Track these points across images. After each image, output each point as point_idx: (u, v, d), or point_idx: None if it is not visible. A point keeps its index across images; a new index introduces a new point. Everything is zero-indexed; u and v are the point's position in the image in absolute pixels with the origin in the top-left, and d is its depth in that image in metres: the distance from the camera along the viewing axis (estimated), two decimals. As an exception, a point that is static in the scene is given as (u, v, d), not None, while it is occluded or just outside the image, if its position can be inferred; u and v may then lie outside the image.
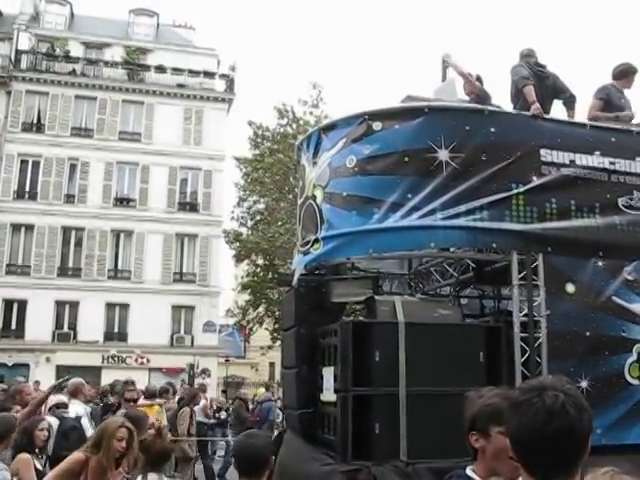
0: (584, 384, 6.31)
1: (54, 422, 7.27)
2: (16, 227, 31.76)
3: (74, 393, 8.71)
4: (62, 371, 28.10)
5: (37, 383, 17.24)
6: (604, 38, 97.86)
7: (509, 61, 7.99)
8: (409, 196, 6.35)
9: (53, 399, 8.05)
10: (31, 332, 30.42)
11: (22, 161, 32.30)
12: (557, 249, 6.49)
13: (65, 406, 7.98)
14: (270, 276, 33.41)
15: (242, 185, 34.72)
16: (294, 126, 32.96)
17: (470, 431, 2.50)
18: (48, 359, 29.79)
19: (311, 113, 33.14)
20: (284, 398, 8.40)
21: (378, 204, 6.38)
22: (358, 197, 6.50)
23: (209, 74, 35.76)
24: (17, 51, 33.29)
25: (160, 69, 34.78)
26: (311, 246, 6.87)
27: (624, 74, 7.68)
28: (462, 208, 6.37)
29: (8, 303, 30.73)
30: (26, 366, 29.18)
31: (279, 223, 31.41)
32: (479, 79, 7.53)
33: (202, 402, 14.24)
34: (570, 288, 6.49)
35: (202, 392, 14.31)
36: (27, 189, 32.24)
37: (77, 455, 4.60)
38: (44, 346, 30.14)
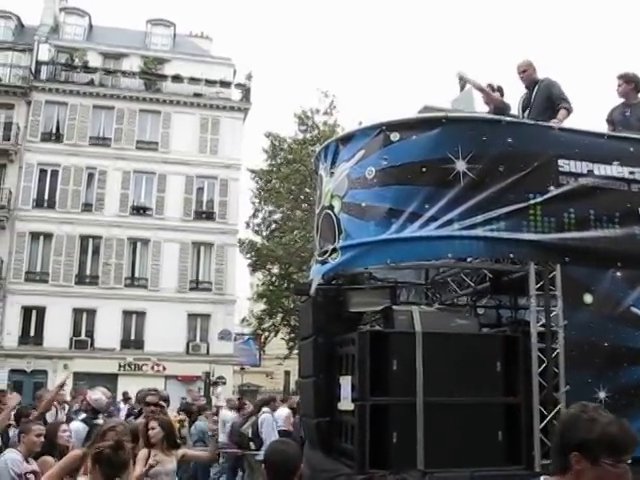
0: (602, 395, 6.30)
1: (82, 428, 7.33)
2: (35, 235, 32.09)
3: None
4: (79, 378, 28.35)
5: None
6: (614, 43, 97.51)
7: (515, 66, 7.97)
8: (427, 206, 6.38)
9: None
10: (49, 339, 30.70)
11: (41, 170, 32.68)
12: (575, 259, 6.47)
13: (96, 413, 8.03)
14: (286, 285, 33.53)
15: (257, 195, 34.92)
16: (314, 132, 33.12)
17: (572, 451, 2.47)
18: (66, 366, 29.99)
19: (325, 123, 33.29)
20: (301, 407, 8.43)
21: (396, 214, 6.42)
22: (376, 207, 6.54)
23: (225, 83, 36.01)
24: (37, 62, 33.75)
25: (177, 79, 35.07)
26: (329, 256, 6.91)
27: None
28: (479, 218, 6.38)
29: (27, 310, 31.03)
30: (44, 373, 29.44)
31: (294, 232, 31.53)
32: (499, 89, 7.55)
33: (284, 410, 13.05)
34: (588, 298, 6.47)
35: (273, 401, 13.00)
36: (46, 198, 32.61)
37: (75, 452, 4.74)
38: (62, 353, 30.39)
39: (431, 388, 6.02)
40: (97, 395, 8.29)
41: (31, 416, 7.11)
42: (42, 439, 5.72)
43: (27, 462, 5.46)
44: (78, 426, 7.38)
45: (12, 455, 5.45)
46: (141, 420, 7.31)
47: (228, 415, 13.81)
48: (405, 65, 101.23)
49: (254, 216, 35.06)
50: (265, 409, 11.74)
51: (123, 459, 3.96)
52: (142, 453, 5.78)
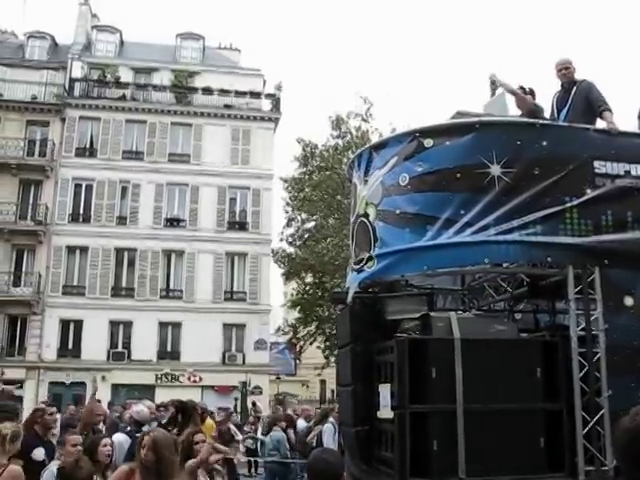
0: (646, 399, 6.19)
1: (125, 440, 7.42)
2: (71, 249, 32.59)
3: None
4: (117, 390, 28.69)
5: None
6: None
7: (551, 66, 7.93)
8: (462, 212, 6.36)
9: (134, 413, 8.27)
10: (87, 351, 31.09)
11: (76, 185, 33.19)
12: (614, 262, 6.39)
13: (140, 425, 8.11)
14: (319, 293, 33.54)
15: (290, 204, 35.03)
16: (346, 138, 33.14)
17: None
18: (104, 378, 30.32)
19: (358, 128, 33.28)
20: (340, 415, 8.43)
21: (431, 221, 6.41)
22: (411, 214, 6.54)
23: (255, 94, 36.25)
24: (71, 79, 34.35)
25: (207, 91, 35.41)
26: (365, 264, 6.92)
27: None
28: (515, 223, 6.34)
29: (65, 323, 31.50)
30: (83, 385, 29.78)
31: (327, 240, 31.55)
32: (532, 92, 7.49)
33: None
34: (629, 301, 6.38)
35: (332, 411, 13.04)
36: (81, 212, 33.09)
37: (122, 467, 4.79)
38: (100, 365, 30.70)
39: (471, 395, 5.99)
40: (139, 407, 8.40)
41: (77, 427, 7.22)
42: (79, 448, 5.80)
43: None
44: (121, 438, 7.47)
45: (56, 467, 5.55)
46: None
47: (303, 424, 14.11)
48: (436, 71, 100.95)
49: (288, 225, 35.17)
50: (330, 419, 11.83)
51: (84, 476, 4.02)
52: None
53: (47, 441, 6.90)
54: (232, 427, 14.27)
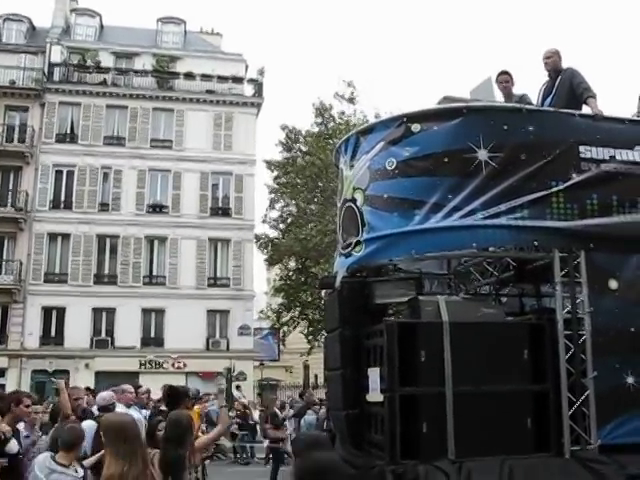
0: (630, 380, 6.32)
1: (92, 425, 7.42)
2: (53, 236, 32.33)
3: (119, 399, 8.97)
4: (101, 377, 28.59)
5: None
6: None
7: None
8: (450, 197, 6.41)
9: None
10: (70, 339, 30.93)
11: (57, 171, 32.87)
12: (599, 245, 6.49)
13: (106, 410, 8.08)
14: (303, 279, 33.59)
15: (273, 188, 34.94)
16: (330, 125, 33.06)
17: None
18: (87, 365, 30.28)
19: (343, 113, 33.20)
20: (329, 400, 8.49)
21: (419, 205, 6.45)
22: (399, 199, 6.57)
23: (237, 79, 36.05)
24: (50, 64, 33.88)
25: (189, 76, 35.14)
26: (353, 248, 6.95)
27: None
28: (502, 207, 6.41)
29: (47, 311, 31.29)
30: (66, 372, 29.65)
31: (310, 225, 31.54)
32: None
33: None
34: (613, 284, 6.49)
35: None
36: (62, 198, 32.79)
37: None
38: (83, 352, 30.64)
39: (460, 377, 6.07)
40: (103, 394, 8.45)
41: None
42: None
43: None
44: (89, 424, 7.47)
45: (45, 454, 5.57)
46: None
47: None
48: (421, 56, 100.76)
49: (271, 207, 35.08)
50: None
51: None
52: None
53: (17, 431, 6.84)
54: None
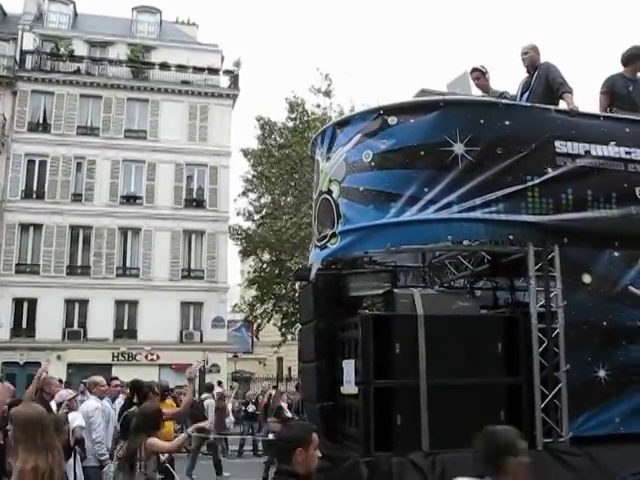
0: (602, 374, 6.37)
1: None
2: (24, 227, 31.95)
3: (89, 389, 9.02)
4: (73, 369, 28.36)
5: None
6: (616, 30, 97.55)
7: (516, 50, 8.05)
8: (425, 190, 6.40)
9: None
10: (42, 330, 30.64)
11: (29, 161, 32.47)
12: (573, 240, 6.52)
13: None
14: (277, 271, 33.56)
15: (248, 179, 34.80)
16: (303, 119, 32.97)
17: None
18: (59, 357, 29.99)
19: (318, 106, 33.11)
20: (303, 392, 8.48)
21: (395, 198, 6.43)
22: (375, 191, 6.54)
23: (213, 70, 35.85)
24: (22, 51, 33.42)
25: (164, 66, 34.89)
26: (328, 241, 6.92)
27: (631, 59, 7.64)
28: (478, 201, 6.41)
29: (18, 302, 30.94)
30: (38, 364, 29.27)
31: (285, 217, 31.49)
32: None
33: None
34: (587, 279, 6.53)
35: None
36: (35, 189, 32.43)
37: None
38: (55, 344, 30.35)
39: (434, 370, 6.07)
40: (62, 392, 8.43)
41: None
42: None
43: None
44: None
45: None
46: None
47: None
48: (399, 49, 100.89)
49: (244, 194, 34.90)
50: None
51: None
52: None
53: None
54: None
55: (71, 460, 7.23)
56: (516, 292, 7.81)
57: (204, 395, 18.90)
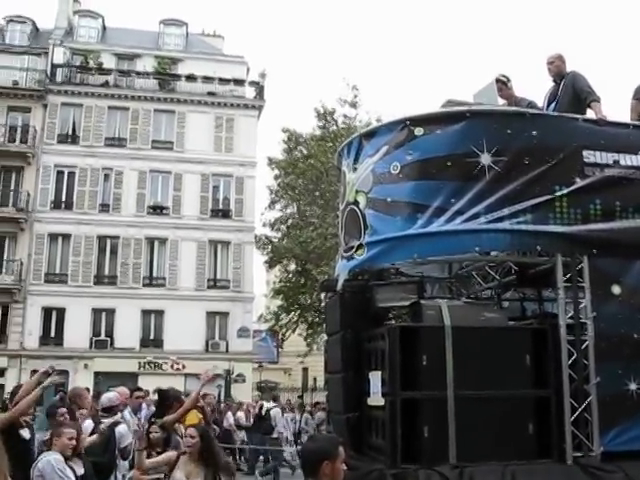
0: (633, 387, 6.29)
1: (89, 425, 7.40)
2: (53, 237, 32.35)
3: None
4: (100, 378, 28.59)
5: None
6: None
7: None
8: (452, 200, 6.38)
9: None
10: (69, 339, 30.94)
11: (58, 172, 32.91)
12: (602, 251, 6.46)
13: (108, 411, 8.04)
14: (302, 281, 33.58)
15: (274, 189, 34.94)
16: (332, 129, 33.05)
17: None
18: (86, 366, 30.26)
19: (345, 116, 33.16)
20: (329, 403, 8.47)
21: (422, 209, 6.42)
22: (402, 202, 6.55)
23: (239, 81, 36.08)
24: (52, 65, 33.95)
25: (190, 78, 35.19)
26: (355, 252, 6.92)
27: None
28: (506, 211, 6.38)
29: (47, 311, 31.29)
30: (65, 373, 29.62)
31: (311, 228, 31.54)
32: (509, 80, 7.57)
33: None
34: (616, 290, 6.46)
35: None
36: (63, 199, 32.83)
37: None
38: (82, 353, 30.63)
39: (461, 382, 6.04)
40: (109, 394, 8.41)
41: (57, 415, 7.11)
42: (74, 442, 5.77)
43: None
44: (87, 424, 7.46)
45: (55, 456, 5.54)
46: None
47: None
48: (425, 59, 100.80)
49: (270, 207, 35.07)
50: None
51: None
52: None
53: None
54: None
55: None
56: (544, 303, 7.75)
57: (271, 404, 18.84)
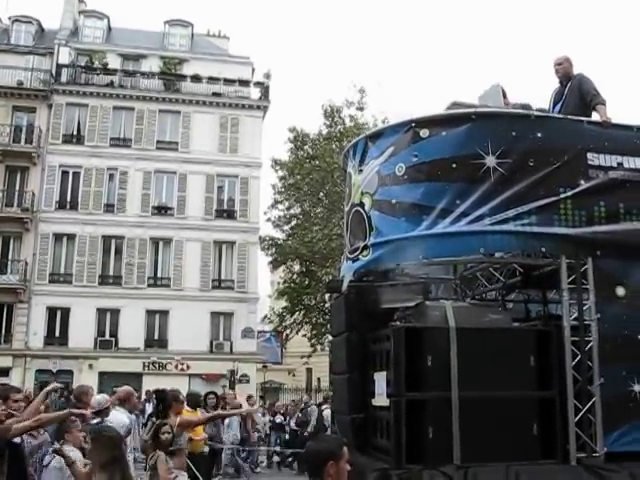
0: (637, 388, 6.33)
1: None
2: (58, 237, 32.42)
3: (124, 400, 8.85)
4: (104, 378, 28.67)
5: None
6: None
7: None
8: (458, 202, 6.42)
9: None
10: (74, 339, 31.01)
11: (63, 172, 32.97)
12: (606, 252, 6.50)
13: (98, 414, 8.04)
14: (307, 282, 33.59)
15: (278, 189, 34.94)
16: (338, 127, 33.05)
17: None
18: (91, 366, 30.33)
19: (352, 117, 33.16)
20: (334, 403, 8.50)
21: (427, 210, 6.47)
22: (407, 204, 6.59)
23: (244, 82, 36.09)
24: (58, 65, 34.02)
25: (196, 78, 35.23)
26: (360, 253, 6.97)
27: None
28: (510, 213, 6.42)
29: (52, 311, 31.36)
30: (70, 373, 29.76)
31: (316, 228, 31.54)
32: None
33: None
34: (620, 291, 6.50)
35: None
36: (68, 199, 32.88)
37: None
38: (87, 353, 30.70)
39: (466, 383, 6.07)
40: (97, 397, 8.40)
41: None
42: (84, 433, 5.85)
43: None
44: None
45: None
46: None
47: None
48: (430, 61, 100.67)
49: (273, 207, 35.08)
50: None
51: None
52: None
53: None
54: None
55: None
56: (548, 305, 7.78)
57: (324, 406, 18.78)
